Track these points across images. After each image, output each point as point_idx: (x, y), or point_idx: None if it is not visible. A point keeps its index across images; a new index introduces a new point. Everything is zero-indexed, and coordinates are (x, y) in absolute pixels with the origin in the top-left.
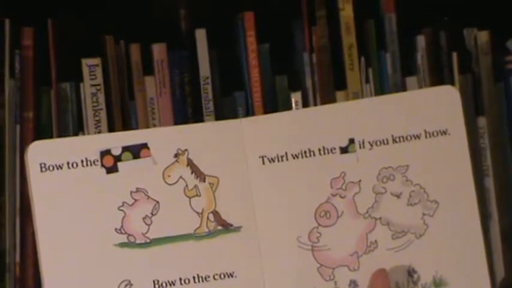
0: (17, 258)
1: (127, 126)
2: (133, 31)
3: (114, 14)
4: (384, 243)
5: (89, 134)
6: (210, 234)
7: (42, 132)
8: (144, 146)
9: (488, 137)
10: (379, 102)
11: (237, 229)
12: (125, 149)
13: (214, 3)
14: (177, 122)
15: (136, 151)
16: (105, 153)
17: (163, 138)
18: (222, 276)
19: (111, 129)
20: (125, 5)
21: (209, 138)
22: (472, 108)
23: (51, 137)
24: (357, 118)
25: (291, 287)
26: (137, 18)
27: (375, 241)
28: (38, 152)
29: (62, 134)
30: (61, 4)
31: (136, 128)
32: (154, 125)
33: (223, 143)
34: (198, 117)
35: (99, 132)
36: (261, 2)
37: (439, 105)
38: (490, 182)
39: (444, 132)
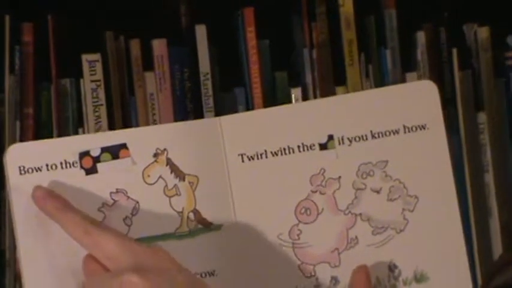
0: (17, 255)
1: (127, 121)
2: (133, 27)
3: (114, 9)
4: (365, 239)
5: (89, 130)
6: (191, 233)
7: (42, 128)
8: (123, 146)
9: (488, 133)
10: (357, 98)
11: (217, 227)
12: (104, 149)
13: None
14: (177, 118)
15: (115, 152)
16: (84, 154)
17: (142, 138)
18: (203, 275)
19: (112, 124)
20: (125, 1)
21: (188, 137)
22: (472, 104)
23: (51, 132)
24: (335, 114)
25: (272, 285)
26: (137, 13)
27: (356, 237)
28: (17, 154)
29: (62, 130)
30: (61, 0)
31: (137, 123)
32: (155, 121)
33: (202, 142)
34: (198, 113)
35: (100, 128)
36: None
37: (418, 100)
38: (490, 178)
39: (423, 127)
